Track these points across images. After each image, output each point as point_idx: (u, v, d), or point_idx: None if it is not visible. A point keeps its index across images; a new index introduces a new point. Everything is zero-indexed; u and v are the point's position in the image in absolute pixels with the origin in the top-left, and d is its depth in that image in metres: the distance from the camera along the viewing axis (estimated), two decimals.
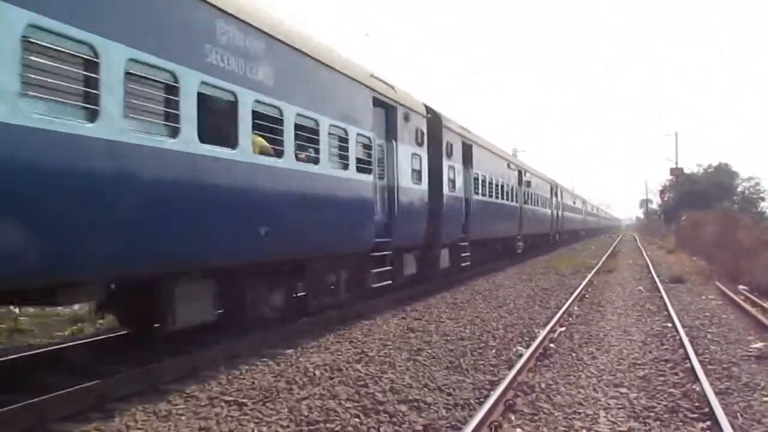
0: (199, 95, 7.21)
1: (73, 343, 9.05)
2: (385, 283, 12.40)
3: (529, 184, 28.93)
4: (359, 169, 11.18)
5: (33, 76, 5.31)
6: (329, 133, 10.11)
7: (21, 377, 6.92)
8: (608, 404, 6.53)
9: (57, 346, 8.70)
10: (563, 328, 10.88)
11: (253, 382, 7.14)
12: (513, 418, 6.10)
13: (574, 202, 54.04)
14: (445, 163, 16.11)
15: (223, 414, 6.04)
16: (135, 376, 6.91)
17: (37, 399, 5.78)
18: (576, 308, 13.44)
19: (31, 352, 8.28)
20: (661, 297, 14.93)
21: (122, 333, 8.97)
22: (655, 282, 18.56)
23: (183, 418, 5.94)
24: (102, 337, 9.47)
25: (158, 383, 6.97)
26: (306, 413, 6.01)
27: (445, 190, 15.98)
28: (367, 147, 11.57)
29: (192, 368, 7.55)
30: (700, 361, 8.15)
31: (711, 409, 6.09)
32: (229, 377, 7.39)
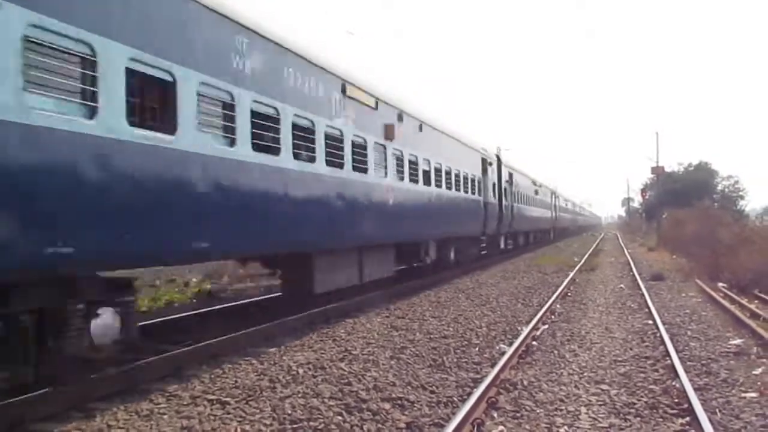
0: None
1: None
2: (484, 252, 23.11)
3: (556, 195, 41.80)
4: (472, 192, 21.11)
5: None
6: (463, 177, 19.77)
7: None
8: (589, 401, 6.59)
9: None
10: (546, 326, 10.96)
11: (236, 381, 7.12)
12: (495, 415, 6.14)
13: (566, 204, 54.56)
14: (502, 185, 26.01)
15: (206, 413, 6.02)
16: (116, 375, 6.87)
17: (16, 399, 5.73)
18: (558, 306, 13.54)
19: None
20: (642, 294, 15.08)
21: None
22: (637, 280, 18.74)
23: (165, 417, 5.92)
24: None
25: (140, 382, 6.93)
26: (289, 412, 6.01)
27: (503, 202, 25.86)
28: (477, 181, 21.71)
29: (174, 367, 7.52)
30: (680, 358, 8.25)
31: (690, 405, 6.17)
32: (212, 376, 7.36)
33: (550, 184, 45.98)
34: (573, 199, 73.72)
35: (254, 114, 8.58)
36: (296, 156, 9.69)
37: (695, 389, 6.77)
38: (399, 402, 6.41)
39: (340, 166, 11.16)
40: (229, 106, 8.12)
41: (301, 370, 7.55)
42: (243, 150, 8.29)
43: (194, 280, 16.90)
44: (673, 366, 7.79)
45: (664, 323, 10.92)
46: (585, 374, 7.68)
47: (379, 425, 5.77)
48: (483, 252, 23.02)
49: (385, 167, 13.45)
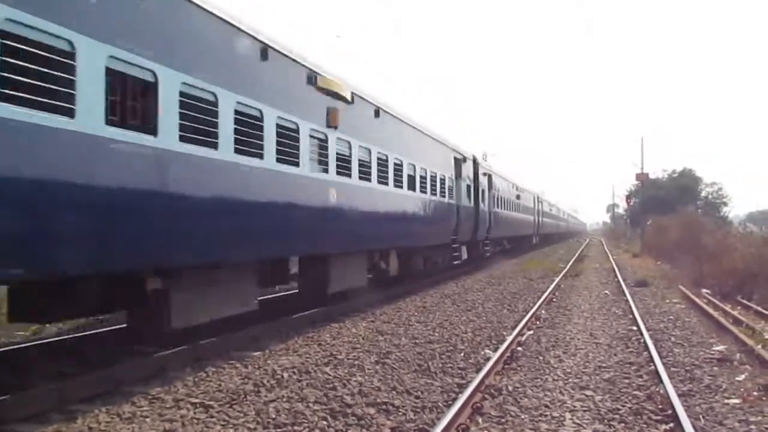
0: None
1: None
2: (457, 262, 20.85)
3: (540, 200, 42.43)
4: (442, 194, 18.93)
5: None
6: (431, 177, 17.72)
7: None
8: (574, 406, 6.59)
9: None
10: (531, 332, 10.98)
11: (220, 384, 7.06)
12: (480, 420, 6.13)
13: (551, 210, 54.35)
14: (479, 188, 23.95)
15: (189, 416, 5.97)
16: (98, 377, 6.79)
17: None
18: (544, 312, 13.57)
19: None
20: (627, 301, 15.17)
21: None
22: (621, 286, 18.85)
23: (147, 420, 5.86)
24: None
25: (122, 384, 6.86)
26: (273, 416, 5.97)
27: (480, 206, 23.96)
28: (447, 183, 19.68)
29: (158, 369, 7.46)
30: (664, 364, 8.29)
31: (674, 411, 6.20)
32: (196, 379, 7.30)
33: (533, 189, 44.39)
34: (558, 205, 71.38)
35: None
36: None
37: (679, 395, 6.81)
38: (384, 407, 6.38)
39: (260, 156, 8.98)
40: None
41: (285, 374, 7.50)
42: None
43: None
44: (657, 372, 7.83)
45: (648, 329, 10.99)
46: (570, 380, 7.69)
47: (364, 430, 5.75)
48: (455, 261, 20.30)
49: (327, 162, 11.25)
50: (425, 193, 16.98)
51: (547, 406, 6.58)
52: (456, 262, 20.54)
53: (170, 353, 7.90)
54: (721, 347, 9.67)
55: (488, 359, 8.39)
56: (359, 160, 12.50)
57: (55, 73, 5.79)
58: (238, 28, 8.65)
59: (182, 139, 7.37)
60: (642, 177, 47.52)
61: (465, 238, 21.54)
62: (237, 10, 8.73)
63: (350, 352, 8.85)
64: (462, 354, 9.06)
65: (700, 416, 6.36)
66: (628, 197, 66.69)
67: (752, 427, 6.07)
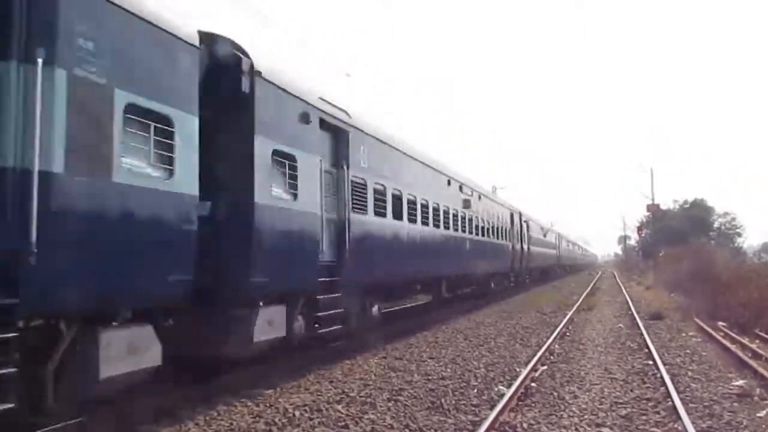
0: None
1: None
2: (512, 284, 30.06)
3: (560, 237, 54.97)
4: (508, 239, 28.09)
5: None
6: (499, 228, 26.29)
7: None
8: None
9: None
10: (545, 367, 10.83)
11: (231, 423, 7.00)
12: None
13: (567, 245, 57.67)
14: (522, 232, 32.30)
15: None
16: (108, 415, 6.72)
17: None
18: (557, 346, 13.42)
19: None
20: (641, 334, 14.97)
21: None
22: (635, 319, 18.62)
23: None
24: None
25: (132, 423, 6.78)
26: None
27: (523, 246, 32.29)
28: (506, 230, 27.96)
29: (167, 408, 7.37)
30: (682, 400, 8.14)
31: None
32: (207, 418, 7.23)
33: (555, 229, 54.91)
34: (575, 240, 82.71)
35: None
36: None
37: None
38: None
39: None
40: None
41: (297, 413, 7.42)
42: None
43: None
44: (674, 408, 7.69)
45: (664, 363, 10.81)
46: (585, 416, 7.56)
47: None
48: (512, 283, 30.28)
49: (464, 225, 19.96)
50: (502, 240, 26.88)
51: None
52: (511, 284, 29.95)
53: (180, 392, 7.83)
54: (740, 382, 9.48)
55: (502, 395, 8.27)
56: (473, 220, 21.14)
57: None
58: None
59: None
60: (653, 208, 47.33)
61: (515, 268, 30.09)
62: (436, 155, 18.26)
63: (362, 389, 8.76)
64: (475, 390, 8.94)
65: None
66: (639, 228, 66.27)
67: None
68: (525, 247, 32.59)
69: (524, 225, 32.99)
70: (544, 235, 43.95)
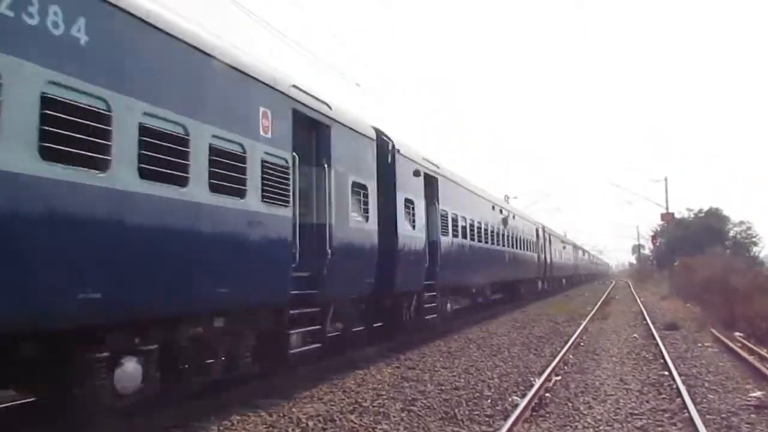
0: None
1: None
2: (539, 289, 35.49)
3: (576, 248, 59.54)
4: (532, 250, 32.40)
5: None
6: (528, 241, 31.50)
7: None
8: None
9: None
10: (559, 377, 10.76)
11: None
12: None
13: (584, 255, 69.48)
14: (545, 245, 37.02)
15: None
16: (119, 426, 6.74)
17: None
18: (571, 356, 13.33)
19: None
20: (657, 344, 14.84)
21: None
22: (650, 329, 18.46)
23: None
24: None
25: None
26: None
27: (546, 256, 37.51)
28: (533, 244, 32.34)
29: (182, 420, 7.39)
30: (699, 411, 8.05)
31: None
32: (221, 428, 7.25)
33: (573, 241, 60.49)
34: (590, 251, 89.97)
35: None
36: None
37: None
38: None
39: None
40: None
41: (311, 423, 7.42)
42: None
43: None
44: (691, 419, 7.60)
45: (680, 374, 10.70)
46: (600, 428, 7.50)
47: None
48: (540, 289, 35.00)
49: (504, 241, 24.91)
50: (531, 252, 31.86)
51: None
52: (539, 289, 34.15)
53: (194, 402, 7.85)
54: (758, 393, 9.37)
55: (516, 406, 8.22)
56: (510, 236, 25.95)
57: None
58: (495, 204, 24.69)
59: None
60: (667, 217, 46.90)
61: (540, 276, 35.12)
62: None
63: (375, 399, 8.74)
64: (489, 401, 8.89)
65: None
66: (653, 237, 65.73)
67: None
68: (548, 257, 37.94)
69: (547, 238, 38.21)
70: (564, 247, 49.81)
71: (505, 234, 24.88)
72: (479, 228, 20.53)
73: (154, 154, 6.21)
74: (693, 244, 48.67)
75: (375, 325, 13.13)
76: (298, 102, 9.23)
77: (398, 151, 13.08)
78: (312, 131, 9.97)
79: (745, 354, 13.16)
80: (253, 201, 7.79)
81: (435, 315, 15.21)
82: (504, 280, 25.04)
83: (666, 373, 11.14)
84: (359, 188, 11.14)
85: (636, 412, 8.32)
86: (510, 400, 8.92)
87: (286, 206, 8.59)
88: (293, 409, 8.12)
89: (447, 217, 16.64)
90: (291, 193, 8.79)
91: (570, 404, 8.75)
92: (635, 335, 17.44)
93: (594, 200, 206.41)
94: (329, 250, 9.69)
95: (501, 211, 24.65)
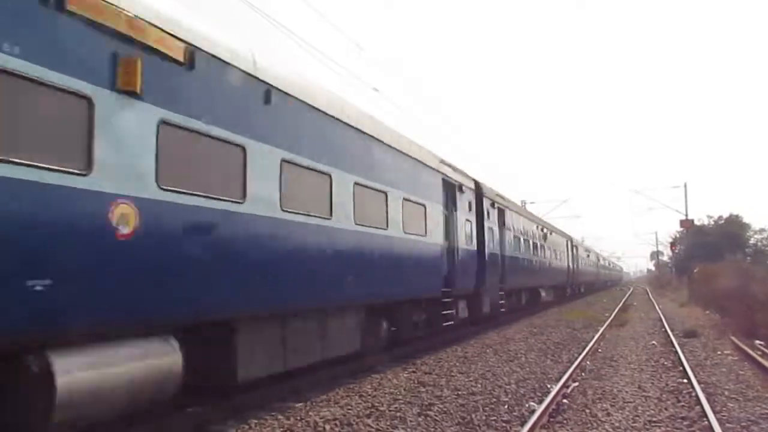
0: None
1: None
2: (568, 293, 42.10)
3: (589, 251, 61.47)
4: (567, 260, 40.82)
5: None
6: (562, 251, 38.87)
7: None
8: None
9: None
10: (576, 383, 10.70)
11: None
12: None
13: (605, 262, 75.75)
14: (573, 254, 43.34)
15: None
16: (139, 429, 6.81)
17: None
18: (589, 363, 13.24)
19: None
20: (676, 352, 14.68)
21: None
22: (669, 336, 18.28)
23: None
24: None
25: None
26: None
27: (574, 264, 43.15)
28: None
29: (198, 424, 7.44)
30: (719, 420, 7.95)
31: None
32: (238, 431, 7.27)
33: (596, 249, 69.70)
34: (609, 258, 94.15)
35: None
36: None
37: None
38: None
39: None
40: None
41: (327, 427, 7.44)
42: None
43: None
44: (711, 428, 7.52)
45: (699, 382, 10.58)
46: None
47: None
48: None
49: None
50: (563, 261, 37.38)
51: None
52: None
53: (211, 406, 7.90)
54: None
55: (533, 412, 8.19)
56: (549, 248, 31.70)
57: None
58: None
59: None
60: (686, 224, 46.46)
61: (568, 282, 40.05)
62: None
63: (392, 404, 8.74)
64: (506, 406, 8.86)
65: None
66: (672, 244, 65.09)
67: None
68: (574, 265, 43.07)
69: (574, 248, 43.80)
70: (587, 256, 55.72)
71: (545, 247, 30.98)
72: (530, 244, 26.81)
73: (409, 219, 12.68)
74: (713, 251, 48.13)
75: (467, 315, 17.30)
76: (443, 174, 15.27)
77: (484, 194, 18.75)
78: (447, 189, 15.50)
79: (765, 362, 12.97)
80: (428, 237, 13.74)
81: (503, 309, 20.78)
82: (545, 285, 31.41)
83: (685, 380, 11.02)
84: (467, 222, 16.88)
85: (655, 419, 8.25)
86: (527, 405, 8.88)
87: (442, 239, 14.72)
88: (310, 413, 8.15)
89: (511, 237, 22.47)
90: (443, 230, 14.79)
91: (588, 411, 8.69)
92: (653, 342, 17.27)
93: (613, 206, 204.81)
94: (457, 263, 15.43)
95: (542, 229, 30.83)
